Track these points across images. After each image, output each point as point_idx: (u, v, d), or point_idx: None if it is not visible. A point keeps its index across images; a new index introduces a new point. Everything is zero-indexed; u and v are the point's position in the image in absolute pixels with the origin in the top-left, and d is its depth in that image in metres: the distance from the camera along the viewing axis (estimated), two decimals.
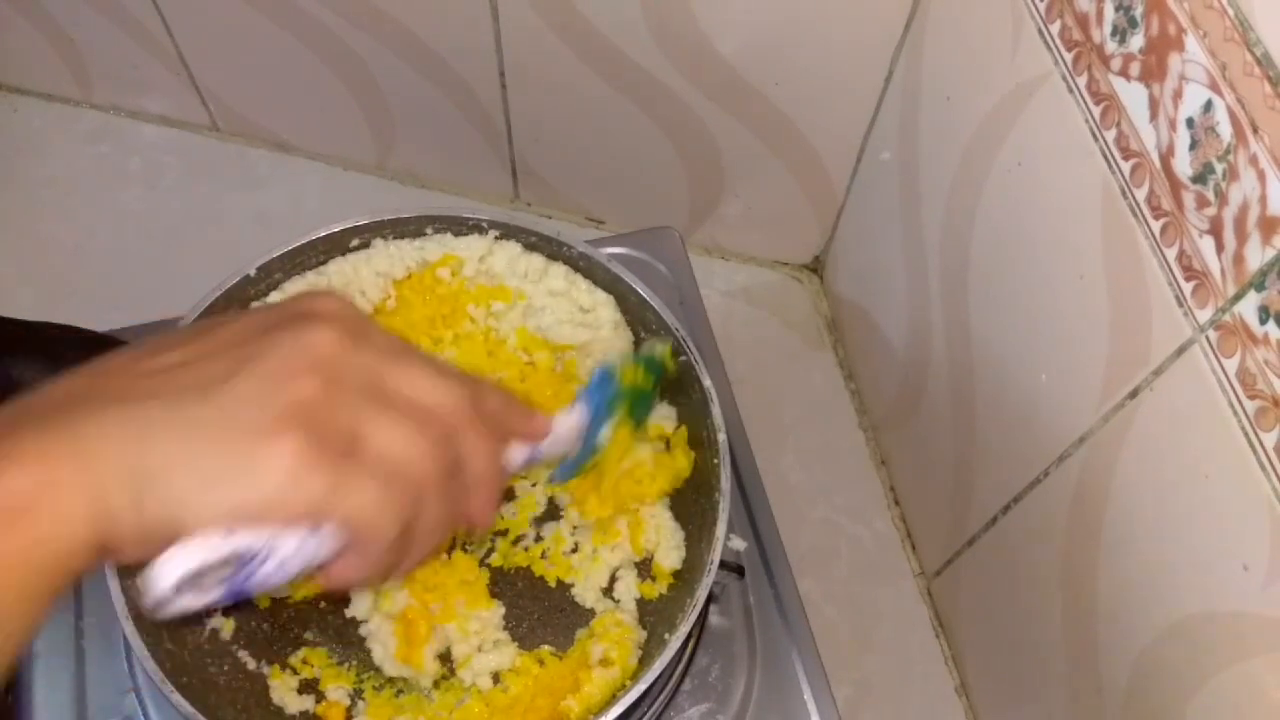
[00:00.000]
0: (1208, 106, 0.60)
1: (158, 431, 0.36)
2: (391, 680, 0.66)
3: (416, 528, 0.42)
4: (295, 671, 0.66)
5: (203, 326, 0.42)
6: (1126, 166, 0.68)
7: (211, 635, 0.66)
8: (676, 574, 0.68)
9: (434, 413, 0.43)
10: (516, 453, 0.52)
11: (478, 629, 0.66)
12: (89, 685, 0.69)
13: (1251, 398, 0.59)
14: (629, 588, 0.69)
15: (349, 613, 0.67)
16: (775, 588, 0.74)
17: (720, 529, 0.63)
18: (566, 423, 0.57)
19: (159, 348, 0.40)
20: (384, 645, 0.65)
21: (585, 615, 0.68)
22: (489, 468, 0.46)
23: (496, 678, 0.66)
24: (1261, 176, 0.56)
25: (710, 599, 0.66)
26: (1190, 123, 0.62)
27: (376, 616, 0.66)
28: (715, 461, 0.66)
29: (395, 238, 0.73)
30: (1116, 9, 0.68)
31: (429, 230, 0.73)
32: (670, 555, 0.68)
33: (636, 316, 0.72)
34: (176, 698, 0.57)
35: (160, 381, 0.38)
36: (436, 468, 0.42)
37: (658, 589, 0.68)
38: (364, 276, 0.72)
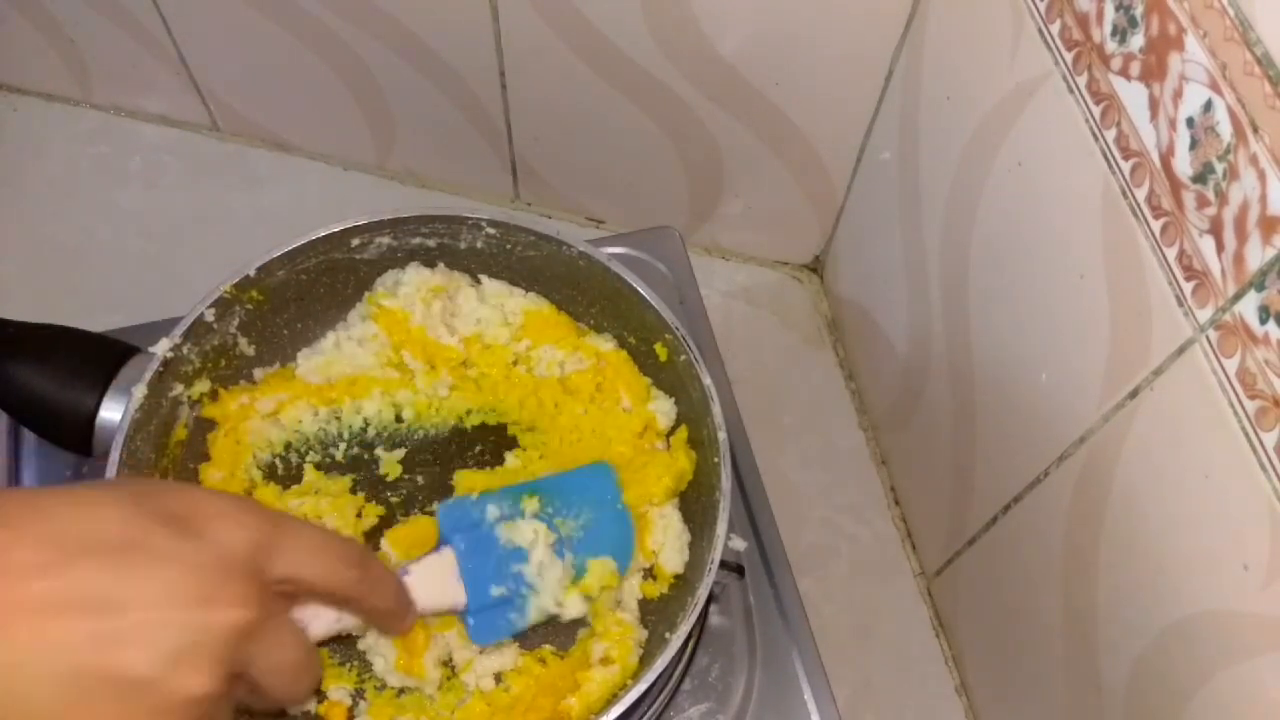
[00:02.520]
0: (1208, 106, 0.60)
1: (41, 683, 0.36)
2: None
3: None
4: None
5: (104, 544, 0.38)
6: (1126, 166, 0.68)
7: None
8: (677, 574, 0.68)
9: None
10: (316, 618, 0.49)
11: None
12: None
13: (1252, 397, 0.59)
14: (631, 588, 0.69)
15: (348, 629, 0.66)
16: (775, 588, 0.74)
17: (721, 528, 0.63)
18: (425, 570, 0.56)
19: (65, 563, 0.37)
20: (384, 657, 0.64)
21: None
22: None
23: (498, 678, 0.66)
24: (1262, 176, 0.56)
25: (710, 599, 0.66)
26: (1190, 122, 0.62)
27: (373, 630, 0.65)
28: (715, 460, 0.66)
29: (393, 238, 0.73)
30: (1116, 9, 0.68)
31: (425, 230, 0.74)
32: (674, 559, 0.68)
33: (636, 317, 0.72)
34: None
35: (63, 624, 0.37)
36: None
37: (659, 588, 0.68)
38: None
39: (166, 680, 0.37)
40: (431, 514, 0.68)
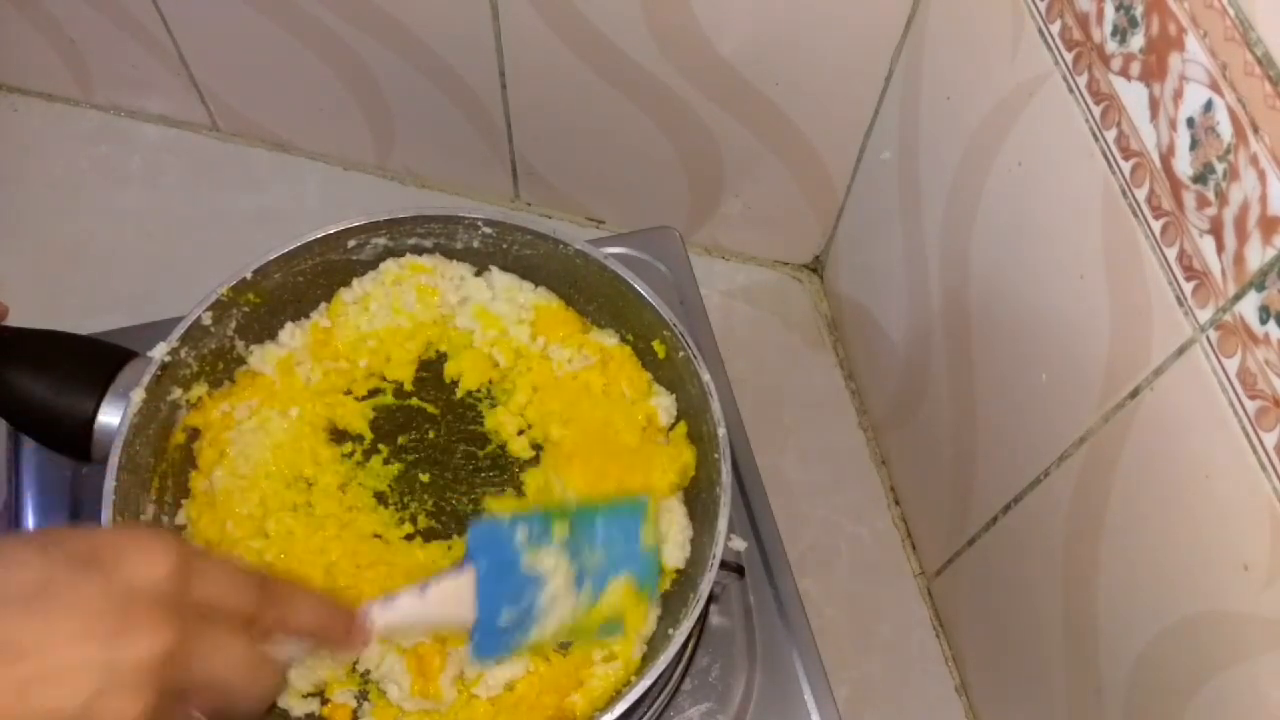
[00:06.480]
0: (1208, 106, 0.60)
1: None
2: None
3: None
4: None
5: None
6: (1127, 166, 0.68)
7: None
8: (679, 569, 0.68)
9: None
10: (283, 646, 0.50)
11: None
12: None
13: (1252, 397, 0.59)
14: None
15: (359, 667, 0.65)
16: (775, 588, 0.74)
17: (722, 523, 0.63)
18: (443, 591, 0.56)
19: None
20: (399, 685, 0.63)
21: None
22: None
23: (510, 686, 0.65)
24: (1262, 176, 0.56)
25: (710, 599, 0.66)
26: (1191, 122, 0.62)
27: (390, 657, 0.64)
28: (715, 456, 0.66)
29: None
30: (1117, 9, 0.68)
31: (421, 230, 0.73)
32: (675, 554, 0.68)
33: (634, 314, 0.72)
34: None
35: None
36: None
37: (661, 584, 0.68)
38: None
39: (93, 713, 0.39)
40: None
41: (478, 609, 0.57)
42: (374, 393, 0.74)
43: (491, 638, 0.58)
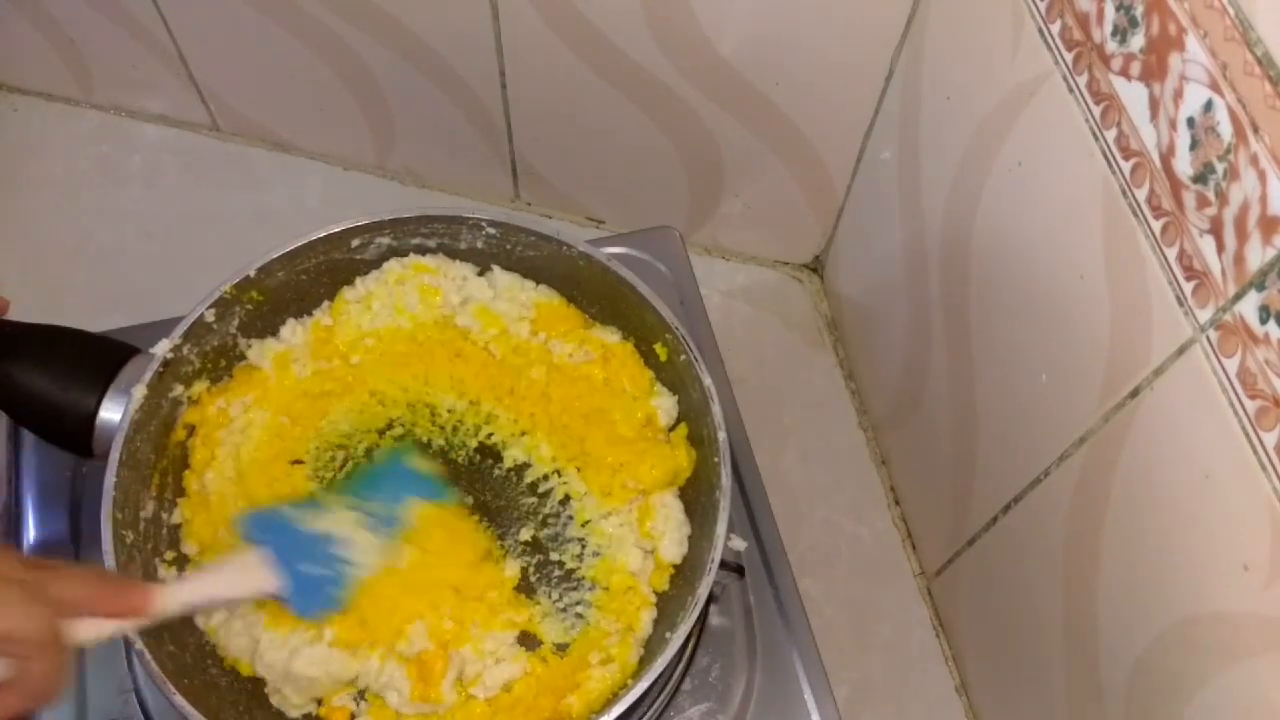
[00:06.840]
0: (1208, 106, 0.60)
1: None
2: None
3: None
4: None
5: None
6: (1127, 166, 0.68)
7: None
8: (677, 569, 0.68)
9: None
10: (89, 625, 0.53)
11: (493, 648, 0.65)
12: (89, 685, 0.69)
13: (1252, 397, 0.59)
14: (645, 572, 0.68)
15: (360, 684, 0.65)
16: (775, 588, 0.74)
17: (721, 526, 0.63)
18: (235, 568, 0.60)
19: None
20: (399, 691, 0.64)
21: None
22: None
23: (508, 688, 0.65)
24: (1262, 176, 0.56)
25: (710, 599, 0.66)
26: (1191, 122, 0.62)
27: (390, 663, 0.64)
28: (715, 459, 0.66)
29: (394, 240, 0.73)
30: (1117, 9, 0.68)
31: (425, 230, 0.73)
32: (672, 549, 0.68)
33: (636, 316, 0.72)
34: (178, 700, 0.57)
35: None
36: None
37: (660, 583, 0.68)
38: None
39: None
40: None
41: (283, 576, 0.60)
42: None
43: (309, 595, 0.61)
